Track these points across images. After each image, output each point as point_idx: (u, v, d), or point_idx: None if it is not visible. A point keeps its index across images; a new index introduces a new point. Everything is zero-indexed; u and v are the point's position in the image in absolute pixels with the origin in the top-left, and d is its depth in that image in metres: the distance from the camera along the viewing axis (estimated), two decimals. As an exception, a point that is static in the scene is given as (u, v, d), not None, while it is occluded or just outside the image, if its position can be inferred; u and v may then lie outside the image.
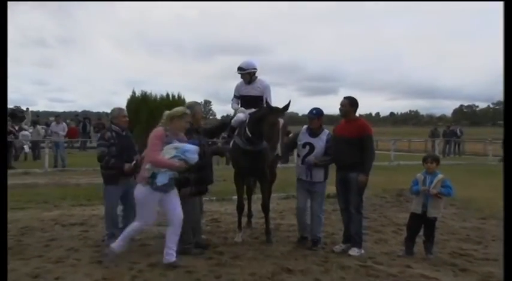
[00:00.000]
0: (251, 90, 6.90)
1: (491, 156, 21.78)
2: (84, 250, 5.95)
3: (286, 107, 5.98)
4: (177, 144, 5.26)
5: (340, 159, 6.11)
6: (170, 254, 5.29)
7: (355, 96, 6.23)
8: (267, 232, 6.63)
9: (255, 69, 6.95)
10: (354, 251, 5.97)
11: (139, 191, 5.25)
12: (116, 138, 6.17)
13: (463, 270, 5.36)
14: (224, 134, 7.28)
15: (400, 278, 5.04)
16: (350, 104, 6.15)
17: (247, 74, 6.90)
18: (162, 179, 5.17)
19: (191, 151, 5.25)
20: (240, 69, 6.91)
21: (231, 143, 6.65)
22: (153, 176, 5.15)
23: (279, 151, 5.74)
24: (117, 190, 6.19)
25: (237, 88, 7.09)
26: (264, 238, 6.69)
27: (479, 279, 5.11)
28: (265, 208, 6.67)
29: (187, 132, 5.83)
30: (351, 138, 5.99)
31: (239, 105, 7.03)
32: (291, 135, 6.76)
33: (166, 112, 5.40)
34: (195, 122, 5.92)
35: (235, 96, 7.11)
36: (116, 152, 6.11)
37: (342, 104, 6.17)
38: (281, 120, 5.84)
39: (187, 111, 5.49)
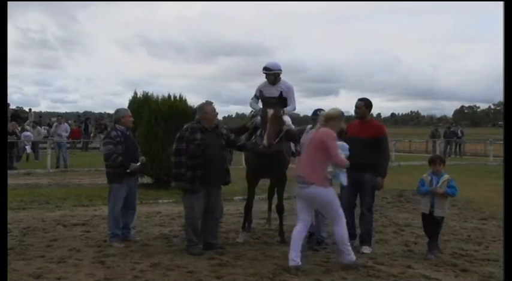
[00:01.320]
0: (274, 92, 6.74)
1: (492, 157, 21.77)
2: (86, 250, 5.97)
3: (278, 98, 6.24)
4: (338, 143, 5.47)
5: (354, 160, 6.14)
6: (349, 253, 5.27)
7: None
8: (281, 232, 6.65)
9: (280, 70, 6.87)
10: (366, 249, 6.08)
11: (327, 194, 5.27)
12: (122, 137, 6.28)
13: (463, 270, 5.36)
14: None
15: (401, 279, 5.04)
16: (365, 105, 6.29)
17: (273, 74, 6.81)
18: (344, 178, 5.43)
19: (348, 147, 5.60)
20: (266, 69, 6.80)
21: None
22: (335, 176, 5.36)
23: (265, 140, 5.88)
24: (122, 190, 6.26)
25: (260, 88, 6.97)
26: (266, 238, 6.74)
27: (480, 279, 5.11)
28: (280, 208, 6.69)
29: (193, 131, 5.86)
30: (368, 139, 6.11)
31: (260, 105, 6.94)
32: (296, 129, 6.71)
33: (323, 113, 5.52)
34: (206, 122, 5.96)
35: (255, 96, 7.01)
36: (122, 150, 6.21)
37: (357, 106, 6.28)
38: (270, 111, 6.03)
39: (343, 112, 5.60)
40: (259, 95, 6.84)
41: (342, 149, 5.46)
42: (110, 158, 6.23)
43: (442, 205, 5.92)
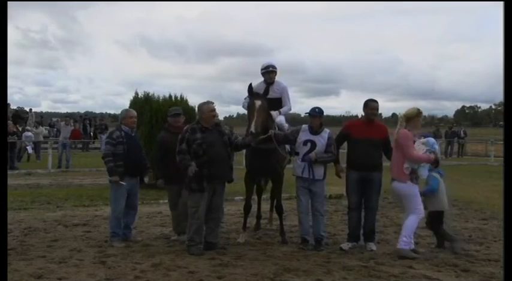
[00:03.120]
0: (270, 93, 6.73)
1: (493, 157, 21.74)
2: (87, 250, 5.98)
3: (264, 93, 6.38)
4: (422, 140, 5.86)
5: (363, 160, 6.19)
6: (406, 244, 5.72)
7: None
8: (282, 232, 6.66)
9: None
10: (373, 246, 6.19)
11: (404, 188, 5.77)
12: (125, 138, 6.30)
13: (464, 271, 5.36)
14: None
15: (402, 279, 5.05)
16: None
17: (275, 72, 6.89)
18: (424, 172, 5.87)
19: (435, 142, 6.05)
20: (271, 67, 6.88)
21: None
22: (413, 171, 5.75)
23: (252, 128, 5.91)
24: (123, 190, 6.27)
25: (256, 89, 6.90)
26: (267, 238, 6.74)
27: (481, 280, 5.11)
28: (279, 208, 6.70)
29: (193, 132, 5.87)
30: (377, 139, 6.21)
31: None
32: (289, 131, 6.70)
33: (402, 113, 5.83)
34: (204, 121, 5.97)
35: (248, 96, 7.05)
36: (123, 151, 6.22)
37: (376, 108, 6.33)
38: (258, 102, 6.11)
39: (421, 110, 5.92)
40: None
41: (427, 145, 5.85)
42: (106, 159, 6.26)
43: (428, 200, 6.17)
